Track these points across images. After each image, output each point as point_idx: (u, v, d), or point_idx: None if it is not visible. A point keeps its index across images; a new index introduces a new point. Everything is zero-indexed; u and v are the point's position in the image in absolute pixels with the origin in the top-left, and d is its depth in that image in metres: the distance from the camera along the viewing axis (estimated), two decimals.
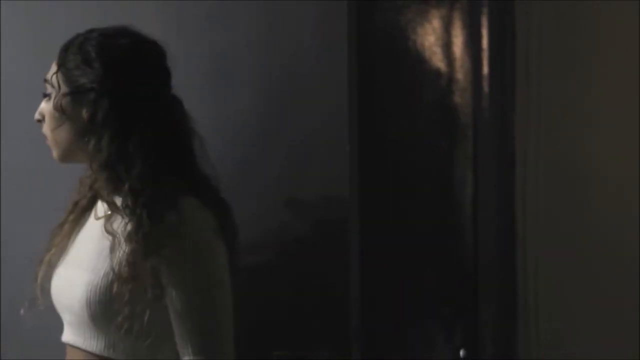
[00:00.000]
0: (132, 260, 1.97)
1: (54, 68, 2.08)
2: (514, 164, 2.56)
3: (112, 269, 1.99)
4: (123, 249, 1.99)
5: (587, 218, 2.58)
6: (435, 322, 2.57)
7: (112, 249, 2.00)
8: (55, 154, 2.09)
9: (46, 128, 2.09)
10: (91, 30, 2.08)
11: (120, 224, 2.01)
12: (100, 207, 2.12)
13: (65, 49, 2.08)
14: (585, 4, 2.57)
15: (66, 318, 2.11)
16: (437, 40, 2.58)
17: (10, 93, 2.66)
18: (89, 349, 2.05)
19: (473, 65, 2.58)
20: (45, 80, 2.08)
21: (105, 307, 2.00)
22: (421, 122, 2.60)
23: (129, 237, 1.98)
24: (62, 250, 2.16)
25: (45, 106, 2.08)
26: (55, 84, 2.06)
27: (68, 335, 2.11)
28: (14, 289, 2.54)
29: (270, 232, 2.57)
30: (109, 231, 2.01)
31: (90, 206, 2.18)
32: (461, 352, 2.56)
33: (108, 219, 2.04)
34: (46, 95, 2.08)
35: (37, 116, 2.10)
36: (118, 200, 2.02)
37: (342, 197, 2.56)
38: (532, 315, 2.56)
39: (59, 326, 2.15)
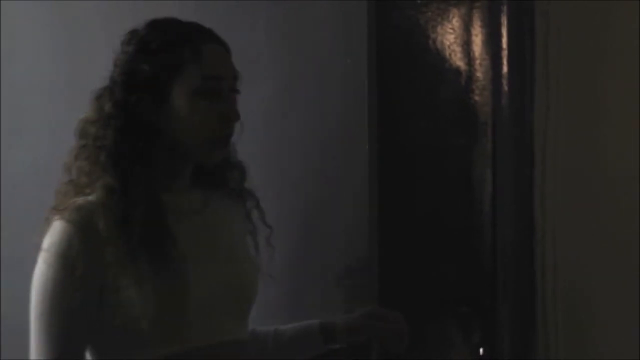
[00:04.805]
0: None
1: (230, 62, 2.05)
2: (533, 163, 2.56)
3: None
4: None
5: (606, 217, 2.58)
6: (453, 321, 2.57)
7: (252, 234, 2.16)
8: (227, 150, 2.08)
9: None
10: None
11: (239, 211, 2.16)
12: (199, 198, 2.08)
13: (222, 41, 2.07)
14: (603, 4, 2.57)
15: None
16: (456, 39, 2.58)
17: (17, 94, 2.68)
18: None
19: (492, 64, 2.58)
20: (236, 78, 2.04)
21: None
22: (440, 120, 2.60)
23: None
24: None
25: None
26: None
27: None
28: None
29: (289, 231, 2.58)
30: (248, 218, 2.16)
31: None
32: (481, 351, 2.56)
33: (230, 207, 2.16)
34: (236, 91, 2.05)
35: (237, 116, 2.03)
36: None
37: (361, 196, 2.57)
38: (550, 314, 2.56)
39: None
